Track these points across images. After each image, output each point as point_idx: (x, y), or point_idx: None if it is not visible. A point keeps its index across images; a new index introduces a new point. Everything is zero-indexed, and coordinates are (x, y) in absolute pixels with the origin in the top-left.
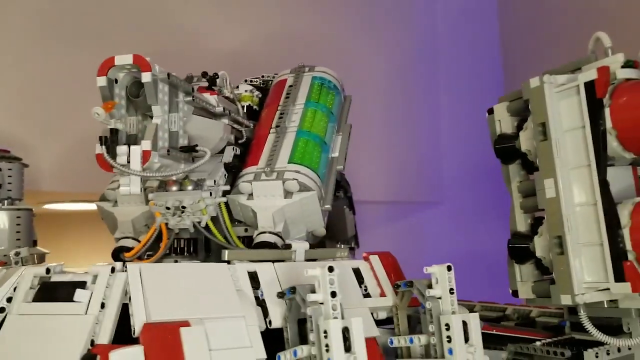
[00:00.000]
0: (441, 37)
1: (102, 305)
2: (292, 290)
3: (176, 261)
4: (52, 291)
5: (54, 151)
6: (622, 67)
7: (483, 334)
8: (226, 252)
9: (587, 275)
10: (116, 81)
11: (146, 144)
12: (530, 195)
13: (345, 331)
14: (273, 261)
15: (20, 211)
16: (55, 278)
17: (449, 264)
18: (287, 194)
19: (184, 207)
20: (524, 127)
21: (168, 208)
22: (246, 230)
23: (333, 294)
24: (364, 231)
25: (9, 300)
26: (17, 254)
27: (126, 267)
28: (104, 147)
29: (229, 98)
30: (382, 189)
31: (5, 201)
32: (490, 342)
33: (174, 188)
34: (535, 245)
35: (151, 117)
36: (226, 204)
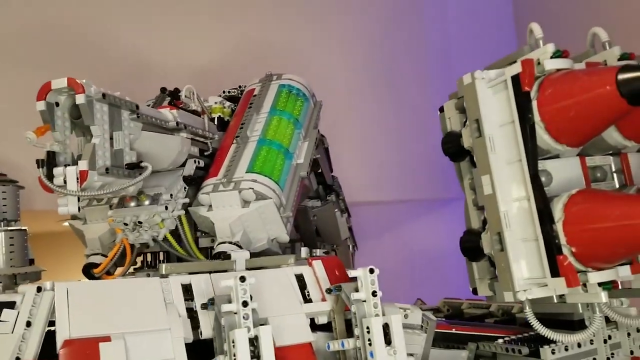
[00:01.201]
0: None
1: (28, 324)
2: (211, 301)
3: (148, 275)
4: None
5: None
6: (551, 57)
7: (446, 333)
8: (163, 265)
9: (528, 271)
10: (57, 104)
11: (83, 164)
12: None
13: (255, 340)
14: (212, 272)
15: (14, 232)
16: None
17: (371, 267)
18: (245, 203)
19: (140, 222)
20: (465, 124)
21: (126, 224)
22: (212, 241)
23: (244, 304)
24: (372, 232)
25: None
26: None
27: (53, 286)
28: (41, 169)
29: (195, 111)
30: (392, 188)
31: (1, 222)
32: (453, 340)
33: (132, 204)
34: (483, 242)
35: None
36: (188, 216)
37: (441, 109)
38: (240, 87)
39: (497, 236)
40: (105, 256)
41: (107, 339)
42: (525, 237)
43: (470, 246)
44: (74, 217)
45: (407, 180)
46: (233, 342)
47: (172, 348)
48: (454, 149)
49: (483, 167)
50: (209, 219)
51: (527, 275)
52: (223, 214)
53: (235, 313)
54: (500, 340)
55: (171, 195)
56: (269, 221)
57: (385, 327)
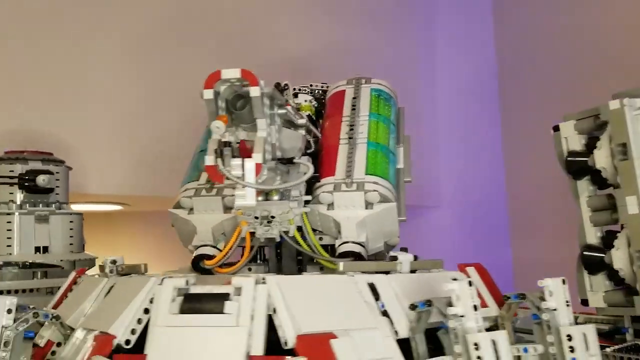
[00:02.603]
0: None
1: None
2: (428, 302)
3: (249, 269)
4: (198, 303)
5: None
6: None
7: None
8: (341, 263)
9: None
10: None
11: (258, 157)
12: (600, 210)
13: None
14: (381, 272)
15: (73, 216)
16: (192, 290)
17: (563, 278)
18: (368, 204)
19: (272, 217)
20: (597, 145)
21: (256, 217)
22: (321, 239)
23: (475, 307)
24: None
25: (146, 311)
26: (113, 262)
27: (264, 280)
28: (219, 159)
29: (296, 109)
30: None
31: (53, 205)
32: None
33: (260, 198)
34: (613, 257)
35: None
36: (306, 213)
37: (555, 128)
38: (322, 85)
39: (638, 253)
40: (216, 248)
41: (333, 335)
42: None
43: (593, 261)
44: (176, 207)
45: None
46: (475, 345)
47: (385, 347)
48: (578, 167)
49: (629, 188)
50: (332, 218)
51: None
52: (347, 213)
53: (462, 316)
54: (609, 349)
55: (299, 192)
56: (387, 224)
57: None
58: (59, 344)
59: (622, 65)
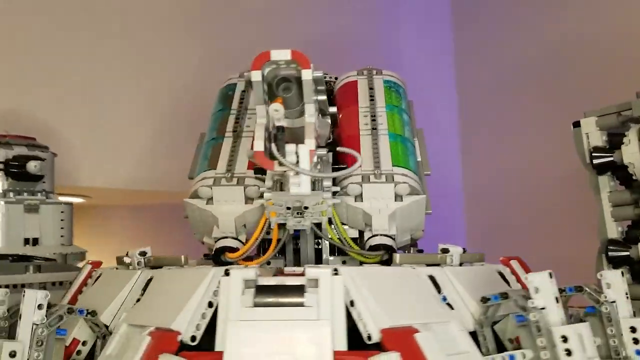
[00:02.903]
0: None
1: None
2: (503, 295)
3: (268, 263)
4: (273, 295)
5: None
6: None
7: None
8: (397, 255)
9: None
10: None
11: (311, 143)
12: (621, 205)
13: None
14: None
15: (64, 206)
16: (261, 282)
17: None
18: (397, 196)
19: (305, 208)
20: (624, 141)
21: (289, 208)
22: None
23: (557, 300)
24: None
25: (209, 304)
26: (142, 253)
27: (337, 271)
28: (273, 144)
29: None
30: None
31: (39, 194)
32: None
33: None
34: None
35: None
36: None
37: (576, 124)
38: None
39: None
40: (238, 240)
41: (414, 329)
42: None
43: (619, 255)
44: (193, 196)
45: None
46: (563, 337)
47: (462, 341)
48: (604, 163)
49: None
50: (361, 210)
51: None
52: (378, 205)
53: (542, 308)
54: None
55: (330, 182)
56: (414, 216)
57: None
58: (84, 343)
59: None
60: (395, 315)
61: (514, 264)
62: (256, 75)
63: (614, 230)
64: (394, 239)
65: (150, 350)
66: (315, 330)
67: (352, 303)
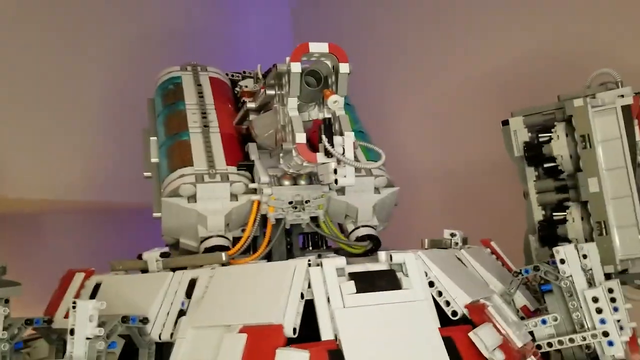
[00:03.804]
0: None
1: None
2: (535, 267)
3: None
4: (371, 281)
5: None
6: None
7: None
8: (426, 240)
9: (622, 250)
10: None
11: (351, 135)
12: (544, 192)
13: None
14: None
15: None
16: (349, 269)
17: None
18: (375, 189)
19: (307, 202)
20: (553, 137)
21: (290, 202)
22: None
23: (581, 269)
24: None
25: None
26: (164, 254)
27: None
28: (324, 136)
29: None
30: None
31: None
32: None
33: (287, 182)
34: (568, 229)
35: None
36: None
37: (505, 122)
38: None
39: (598, 224)
40: (225, 237)
41: (485, 303)
42: (623, 224)
43: (549, 234)
44: (173, 195)
45: None
46: (594, 298)
47: (507, 310)
48: (536, 156)
49: (590, 171)
50: (345, 203)
51: (622, 253)
52: (362, 198)
53: (568, 277)
54: None
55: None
56: (387, 208)
57: None
58: None
59: None
60: (470, 292)
61: (494, 244)
62: (296, 67)
63: (539, 214)
64: (374, 228)
65: (250, 347)
66: (418, 309)
67: (431, 284)
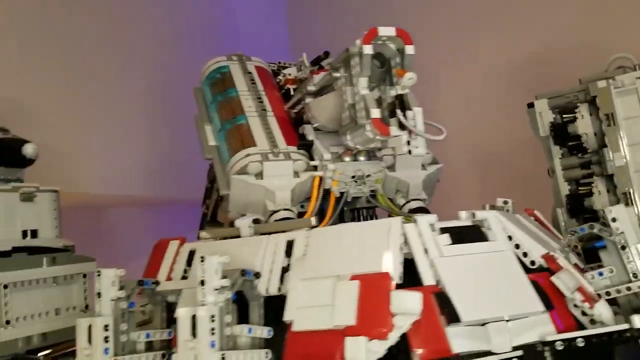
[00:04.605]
0: None
1: None
2: (591, 226)
3: None
4: (462, 235)
5: None
6: None
7: None
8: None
9: None
10: None
11: (420, 110)
12: (570, 168)
13: None
14: None
15: (56, 194)
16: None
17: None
18: (422, 166)
19: (367, 176)
20: (577, 116)
21: (353, 176)
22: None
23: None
24: None
25: None
26: (255, 220)
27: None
28: (398, 110)
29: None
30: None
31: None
32: None
33: (348, 159)
34: (595, 202)
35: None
36: None
37: (530, 105)
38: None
39: (623, 195)
40: (291, 211)
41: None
42: None
43: (577, 206)
44: (242, 172)
45: None
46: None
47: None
48: (563, 134)
49: (615, 146)
50: (397, 178)
51: None
52: (411, 174)
53: (621, 232)
54: None
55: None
56: (432, 183)
57: None
58: None
59: None
60: (543, 245)
61: (537, 212)
62: (368, 49)
63: (565, 188)
64: (424, 203)
65: (364, 290)
66: (505, 258)
67: (509, 238)
